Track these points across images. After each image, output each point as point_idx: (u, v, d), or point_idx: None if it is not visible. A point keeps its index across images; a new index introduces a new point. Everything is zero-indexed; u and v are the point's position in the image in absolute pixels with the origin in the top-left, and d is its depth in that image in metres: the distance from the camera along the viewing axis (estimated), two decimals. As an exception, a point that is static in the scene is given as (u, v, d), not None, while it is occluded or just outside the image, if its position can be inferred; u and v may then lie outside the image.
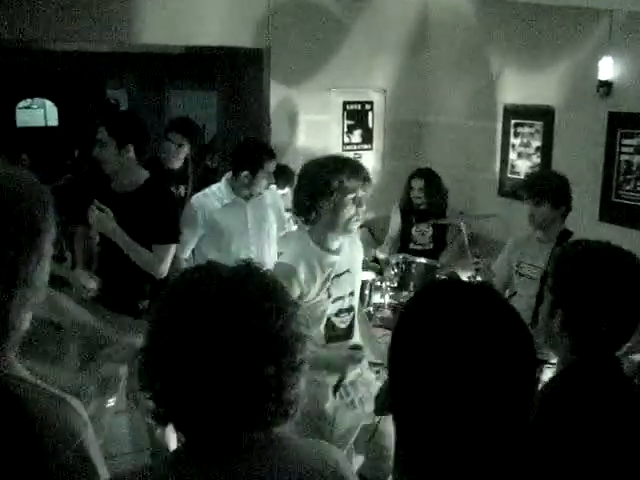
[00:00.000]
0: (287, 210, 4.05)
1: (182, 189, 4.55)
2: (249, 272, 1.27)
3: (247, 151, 3.86)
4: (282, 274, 2.55)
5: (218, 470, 1.23)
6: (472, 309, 1.01)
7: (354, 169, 2.70)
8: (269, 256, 3.94)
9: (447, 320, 0.99)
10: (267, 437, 1.26)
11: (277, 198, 4.18)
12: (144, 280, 3.26)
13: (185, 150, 4.69)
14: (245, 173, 3.75)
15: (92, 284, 3.21)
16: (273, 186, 4.29)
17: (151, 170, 3.48)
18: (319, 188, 2.65)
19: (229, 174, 3.89)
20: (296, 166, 5.98)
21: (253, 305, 1.20)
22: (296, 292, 2.63)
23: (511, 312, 1.03)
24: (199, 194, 3.92)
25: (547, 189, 3.59)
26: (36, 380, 1.37)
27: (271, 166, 3.84)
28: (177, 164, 4.63)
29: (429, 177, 5.22)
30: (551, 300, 1.71)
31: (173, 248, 3.30)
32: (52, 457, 1.32)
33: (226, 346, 1.16)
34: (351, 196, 2.67)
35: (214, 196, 3.81)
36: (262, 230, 3.93)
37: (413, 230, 5.32)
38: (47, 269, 1.38)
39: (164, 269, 3.26)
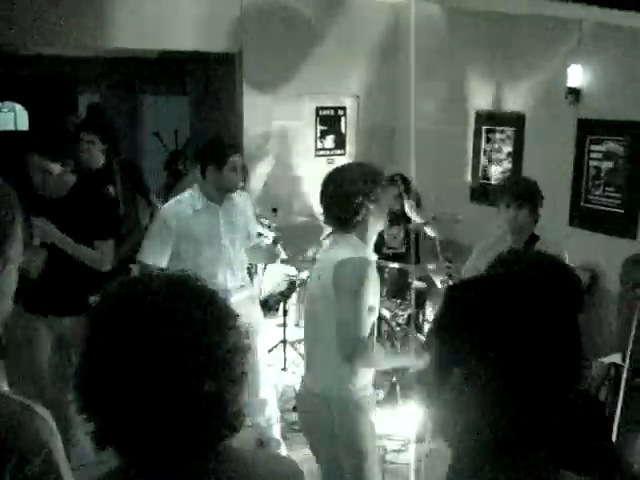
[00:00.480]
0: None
1: (111, 189, 4.43)
2: (183, 285, 1.22)
3: (211, 147, 3.86)
4: (360, 267, 2.54)
5: None
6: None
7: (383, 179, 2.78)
8: (240, 261, 3.93)
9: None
10: (213, 452, 1.22)
11: (248, 205, 4.14)
12: (91, 277, 3.43)
13: (98, 147, 4.57)
14: (211, 168, 3.70)
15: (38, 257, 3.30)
16: (244, 192, 4.25)
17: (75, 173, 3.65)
18: (367, 194, 2.63)
19: (199, 179, 3.85)
20: (269, 171, 6.01)
21: (187, 321, 1.15)
22: (375, 286, 2.62)
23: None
24: (171, 202, 3.87)
25: (528, 193, 3.65)
26: (1, 388, 1.35)
27: (237, 161, 3.77)
28: (95, 163, 4.45)
29: (402, 183, 5.24)
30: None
31: (112, 242, 3.58)
32: (19, 467, 1.30)
33: (162, 364, 1.12)
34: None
35: (186, 202, 3.76)
36: (235, 234, 3.90)
37: (385, 234, 5.33)
38: (14, 276, 1.36)
39: (109, 262, 3.53)
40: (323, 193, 2.72)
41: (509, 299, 1.01)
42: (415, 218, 4.92)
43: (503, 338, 0.98)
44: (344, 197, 2.62)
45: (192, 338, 1.15)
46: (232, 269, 3.83)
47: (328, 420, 2.66)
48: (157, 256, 3.68)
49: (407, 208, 4.90)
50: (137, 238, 4.47)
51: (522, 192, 3.65)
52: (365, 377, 2.70)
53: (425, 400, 1.10)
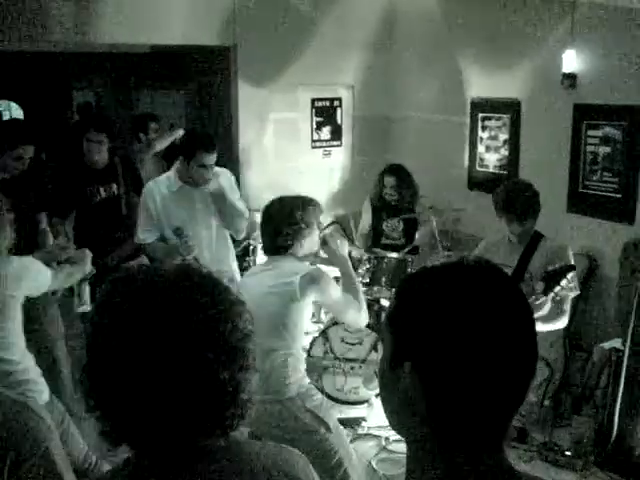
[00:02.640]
0: None
1: (114, 187, 4.45)
2: (191, 276, 1.20)
3: (184, 139, 4.12)
4: (320, 271, 3.02)
5: (179, 478, 1.18)
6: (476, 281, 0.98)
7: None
8: (221, 245, 4.08)
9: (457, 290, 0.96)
10: (225, 442, 1.22)
11: (233, 182, 4.20)
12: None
13: (106, 147, 4.57)
14: (181, 159, 3.87)
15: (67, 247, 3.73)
16: (224, 170, 4.22)
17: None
18: (296, 222, 3.03)
19: (178, 162, 3.98)
20: (266, 164, 5.99)
21: (199, 310, 1.14)
22: None
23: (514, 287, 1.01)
24: (150, 182, 4.04)
25: (528, 207, 3.64)
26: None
27: (206, 158, 3.81)
28: (101, 163, 4.50)
29: (401, 174, 5.24)
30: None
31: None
32: (18, 464, 1.30)
33: (178, 357, 1.11)
34: None
35: (163, 183, 3.93)
36: (212, 217, 4.00)
37: (384, 225, 5.33)
38: None
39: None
40: (260, 227, 3.11)
41: (457, 294, 0.96)
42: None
43: (449, 334, 0.93)
44: (276, 229, 2.98)
45: (206, 327, 1.14)
46: (211, 252, 3.94)
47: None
48: (145, 233, 3.93)
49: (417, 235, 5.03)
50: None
51: (525, 208, 3.63)
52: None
53: (380, 391, 1.08)
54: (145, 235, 3.94)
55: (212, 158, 3.85)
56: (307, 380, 3.06)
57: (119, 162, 4.52)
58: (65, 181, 4.44)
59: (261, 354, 2.83)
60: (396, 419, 1.04)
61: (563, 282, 3.16)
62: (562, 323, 3.55)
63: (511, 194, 3.65)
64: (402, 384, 0.98)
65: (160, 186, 3.92)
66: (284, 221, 2.97)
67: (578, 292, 3.57)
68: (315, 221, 3.08)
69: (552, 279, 3.17)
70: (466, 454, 0.97)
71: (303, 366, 3.07)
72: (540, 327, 3.40)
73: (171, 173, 3.95)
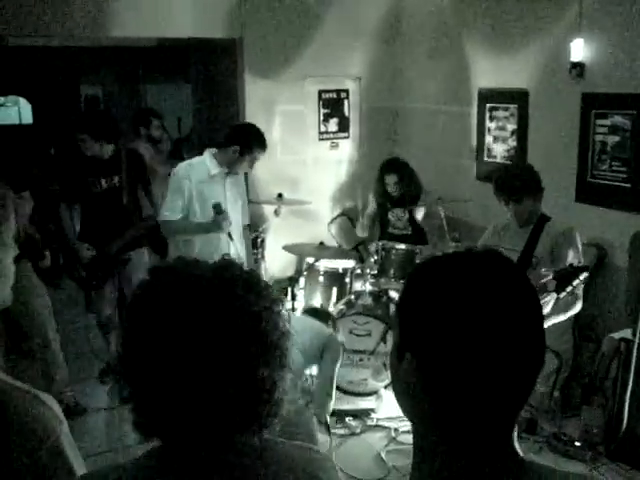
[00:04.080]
0: None
1: (115, 179, 4.51)
2: (233, 272, 1.19)
3: (250, 133, 4.09)
4: None
5: (215, 475, 1.16)
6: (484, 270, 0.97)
7: None
8: (239, 232, 4.22)
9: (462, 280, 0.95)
10: (259, 440, 1.20)
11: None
12: None
13: (92, 145, 4.59)
14: (235, 148, 3.97)
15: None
16: None
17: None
18: None
19: (213, 149, 4.11)
20: (273, 156, 5.99)
21: (244, 308, 1.14)
22: None
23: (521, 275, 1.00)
24: (183, 164, 4.16)
25: (522, 186, 3.59)
26: (7, 377, 1.35)
27: (259, 156, 4.07)
28: (99, 156, 4.49)
29: (401, 169, 5.23)
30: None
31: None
32: (28, 454, 1.30)
33: (218, 351, 1.10)
34: None
35: (199, 166, 4.05)
36: (236, 205, 4.21)
37: (389, 215, 5.32)
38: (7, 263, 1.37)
39: None
40: None
41: (462, 284, 0.94)
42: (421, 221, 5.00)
43: (452, 323, 0.91)
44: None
45: (249, 323, 1.13)
46: (231, 237, 4.02)
47: None
48: (169, 210, 4.03)
49: (419, 217, 4.99)
50: (139, 228, 4.57)
51: (519, 188, 3.59)
52: None
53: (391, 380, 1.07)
54: (169, 212, 4.04)
55: (260, 156, 4.11)
56: None
57: (124, 155, 4.57)
58: (69, 171, 4.59)
59: None
60: (403, 407, 1.04)
61: (575, 282, 3.14)
62: (578, 307, 3.52)
63: (503, 175, 3.65)
64: (404, 374, 0.97)
65: (197, 168, 4.05)
66: None
67: (588, 275, 3.54)
68: None
69: (565, 279, 3.14)
70: (471, 445, 0.96)
71: None
72: (558, 318, 3.40)
73: (206, 158, 4.07)
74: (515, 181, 3.60)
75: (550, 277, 3.10)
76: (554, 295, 3.11)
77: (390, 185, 5.18)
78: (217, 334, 1.10)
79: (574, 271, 3.15)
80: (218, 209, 3.89)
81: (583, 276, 3.11)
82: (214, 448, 1.17)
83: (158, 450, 1.20)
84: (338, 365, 3.76)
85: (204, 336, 1.10)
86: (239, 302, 1.13)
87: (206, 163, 4.05)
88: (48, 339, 4.12)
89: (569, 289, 3.13)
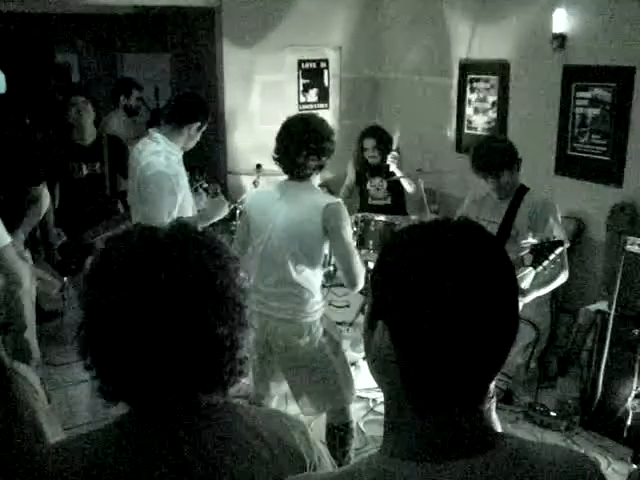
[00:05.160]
0: None
1: (97, 166, 4.46)
2: (187, 233, 1.19)
3: (200, 103, 3.67)
4: (343, 210, 2.93)
5: (182, 432, 1.17)
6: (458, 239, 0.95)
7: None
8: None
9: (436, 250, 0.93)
10: (224, 400, 1.22)
11: None
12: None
13: (90, 116, 4.54)
14: (197, 124, 3.56)
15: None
16: None
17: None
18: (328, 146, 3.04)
19: (162, 130, 3.59)
20: (252, 126, 5.93)
21: (199, 267, 1.14)
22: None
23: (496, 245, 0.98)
24: (161, 161, 3.47)
25: (500, 159, 3.55)
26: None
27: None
28: (89, 137, 4.48)
29: (379, 134, 5.17)
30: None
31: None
32: (3, 431, 1.29)
33: (177, 312, 1.11)
34: None
35: (166, 155, 3.49)
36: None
37: (368, 185, 5.28)
38: None
39: None
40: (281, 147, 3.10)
41: (434, 253, 0.92)
42: (397, 172, 4.88)
43: (422, 291, 0.89)
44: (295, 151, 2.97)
45: (204, 281, 1.14)
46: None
47: (304, 341, 3.00)
48: (169, 216, 3.40)
49: (389, 161, 4.86)
50: (115, 222, 4.45)
51: (495, 162, 3.56)
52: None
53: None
54: (168, 218, 3.43)
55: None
56: (322, 303, 3.13)
57: (107, 142, 4.54)
58: (50, 154, 4.52)
59: (284, 278, 2.92)
60: (375, 376, 1.03)
61: (551, 256, 3.14)
62: (564, 277, 3.52)
63: (479, 149, 3.60)
64: (376, 342, 0.96)
65: (171, 160, 3.51)
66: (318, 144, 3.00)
67: (568, 245, 3.54)
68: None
69: (541, 253, 3.14)
70: (440, 415, 0.95)
71: (319, 293, 3.10)
72: (545, 289, 3.40)
73: (165, 144, 3.53)
74: (491, 157, 3.56)
75: (527, 251, 3.11)
76: (531, 269, 3.12)
77: (369, 150, 5.12)
78: (172, 293, 1.11)
79: (550, 245, 3.15)
80: (213, 192, 3.60)
81: (559, 250, 3.12)
82: (180, 409, 1.17)
83: (127, 416, 1.20)
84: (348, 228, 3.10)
85: (159, 296, 1.10)
86: (192, 261, 1.14)
87: (171, 151, 3.52)
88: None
89: (545, 263, 3.13)
